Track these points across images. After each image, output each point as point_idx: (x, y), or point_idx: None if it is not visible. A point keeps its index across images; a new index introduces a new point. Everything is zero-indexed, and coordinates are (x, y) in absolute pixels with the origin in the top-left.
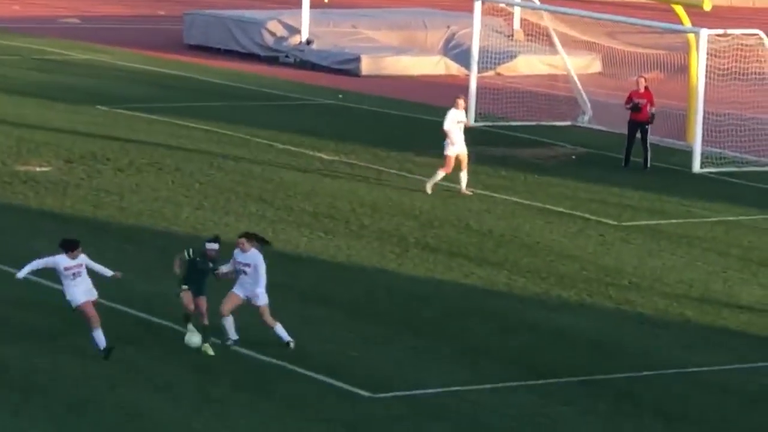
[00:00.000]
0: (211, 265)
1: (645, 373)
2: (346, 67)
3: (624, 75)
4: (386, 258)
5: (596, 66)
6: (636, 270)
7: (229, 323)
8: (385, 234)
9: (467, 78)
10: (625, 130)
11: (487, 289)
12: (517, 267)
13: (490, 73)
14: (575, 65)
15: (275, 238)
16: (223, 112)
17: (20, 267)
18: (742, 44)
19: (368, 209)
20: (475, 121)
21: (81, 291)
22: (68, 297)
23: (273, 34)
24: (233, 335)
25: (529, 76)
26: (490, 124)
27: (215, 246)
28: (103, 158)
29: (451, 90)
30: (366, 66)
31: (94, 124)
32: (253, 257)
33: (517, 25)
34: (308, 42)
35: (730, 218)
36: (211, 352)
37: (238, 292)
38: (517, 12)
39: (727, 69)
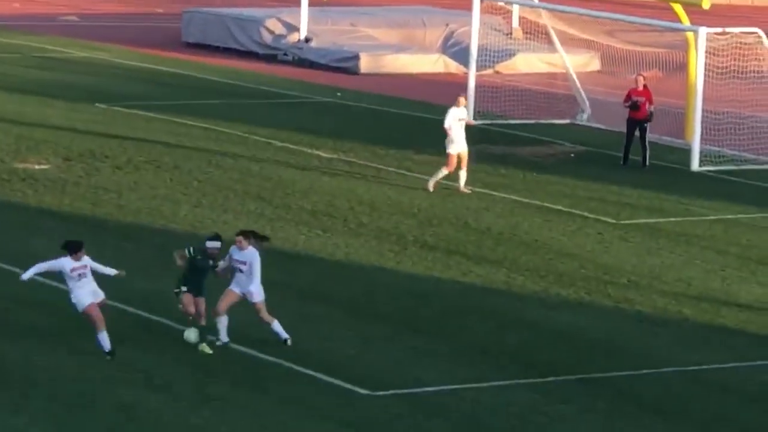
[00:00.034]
0: (211, 263)
1: (644, 371)
2: (345, 65)
3: (623, 73)
4: (385, 256)
5: (595, 64)
6: (635, 268)
7: (222, 324)
8: (383, 232)
9: (466, 76)
10: (623, 129)
11: (486, 288)
12: (516, 265)
13: (489, 71)
14: (574, 63)
15: (274, 236)
16: (221, 110)
17: (19, 265)
18: (740, 43)
19: (367, 207)
20: (474, 119)
21: (86, 293)
22: (74, 300)
23: (271, 32)
24: (224, 337)
25: (528, 74)
26: (488, 122)
27: (217, 244)
28: (102, 156)
29: (449, 88)
30: (365, 64)
31: (93, 121)
32: (250, 255)
33: (515, 23)
34: (307, 40)
35: (729, 216)
36: (208, 350)
37: (235, 289)
38: (515, 10)
39: (726, 67)
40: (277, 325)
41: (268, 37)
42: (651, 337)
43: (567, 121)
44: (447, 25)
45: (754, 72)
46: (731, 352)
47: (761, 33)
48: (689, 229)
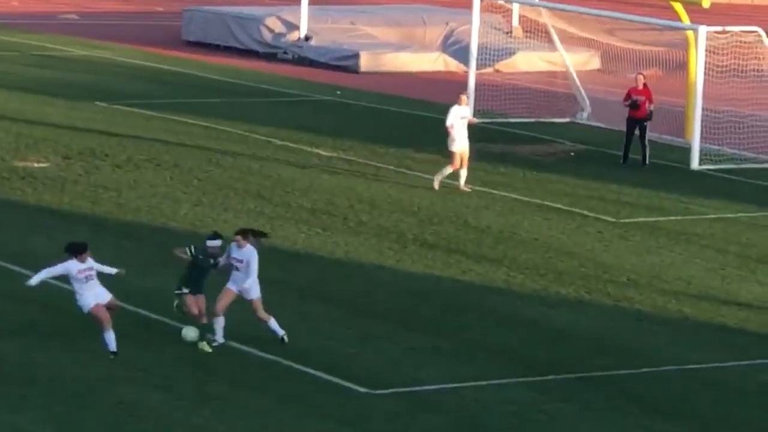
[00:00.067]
0: (212, 261)
1: (643, 369)
2: (345, 64)
3: (623, 72)
4: (384, 254)
5: (595, 63)
6: (634, 267)
7: (219, 324)
8: (383, 230)
9: (466, 75)
10: (623, 127)
11: (486, 286)
12: (516, 264)
13: (489, 69)
14: (574, 62)
15: (273, 235)
16: (221, 108)
17: (19, 263)
18: (740, 41)
19: (366, 206)
20: (474, 117)
21: (92, 294)
22: (79, 302)
23: (271, 30)
24: (220, 338)
25: (528, 72)
26: (488, 120)
27: (217, 243)
28: (102, 154)
29: (449, 87)
30: (365, 62)
31: (93, 120)
32: (248, 253)
33: (515, 21)
34: (307, 38)
35: (729, 215)
36: (208, 349)
37: (232, 287)
38: (515, 9)
39: (726, 66)
40: (273, 323)
41: (268, 36)
42: (650, 336)
43: (567, 119)
44: (447, 23)
45: (754, 71)
46: (731, 350)
47: (761, 32)
48: (689, 228)
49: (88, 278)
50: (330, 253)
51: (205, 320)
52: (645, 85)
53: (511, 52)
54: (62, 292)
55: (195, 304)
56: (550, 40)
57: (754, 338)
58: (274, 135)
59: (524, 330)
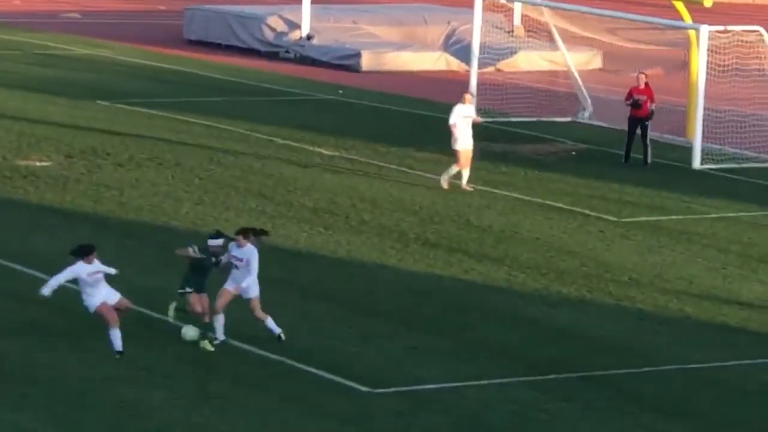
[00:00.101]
0: (213, 260)
1: (645, 369)
2: (347, 63)
3: (624, 71)
4: (386, 254)
5: (597, 62)
6: (636, 266)
7: (219, 322)
8: (385, 230)
9: (467, 74)
10: (625, 127)
11: (487, 285)
12: (517, 263)
13: (491, 69)
14: (576, 61)
15: (275, 234)
16: (223, 107)
17: (21, 262)
18: (742, 41)
19: (368, 205)
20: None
21: (101, 295)
22: (86, 303)
23: (273, 29)
24: (221, 335)
25: (530, 72)
26: (490, 119)
27: (219, 241)
28: (104, 153)
29: (451, 86)
30: (366, 62)
31: (95, 119)
32: (248, 252)
33: (517, 21)
34: (308, 37)
35: (730, 214)
36: (210, 347)
37: (230, 286)
38: (517, 8)
39: (728, 65)
40: (270, 322)
41: (269, 35)
42: (652, 335)
43: (568, 118)
44: (449, 22)
45: (755, 70)
46: (732, 350)
47: (763, 31)
48: (690, 227)
49: (97, 281)
50: (332, 252)
51: (207, 319)
52: (647, 84)
53: (512, 51)
54: (63, 291)
55: (199, 302)
56: (552, 40)
57: (756, 338)
58: (275, 134)
59: (526, 329)
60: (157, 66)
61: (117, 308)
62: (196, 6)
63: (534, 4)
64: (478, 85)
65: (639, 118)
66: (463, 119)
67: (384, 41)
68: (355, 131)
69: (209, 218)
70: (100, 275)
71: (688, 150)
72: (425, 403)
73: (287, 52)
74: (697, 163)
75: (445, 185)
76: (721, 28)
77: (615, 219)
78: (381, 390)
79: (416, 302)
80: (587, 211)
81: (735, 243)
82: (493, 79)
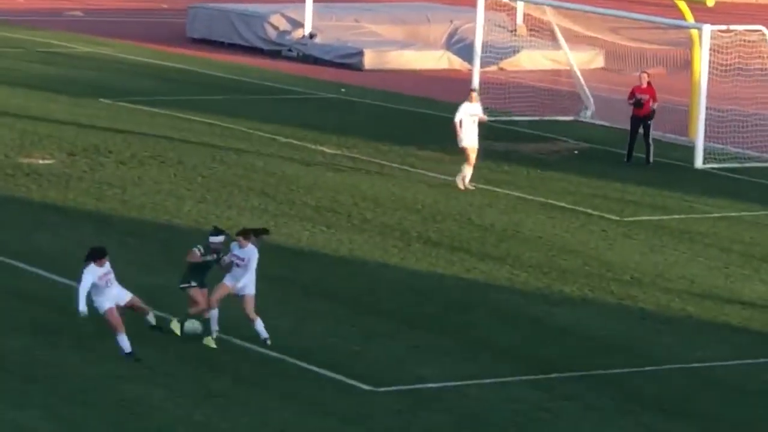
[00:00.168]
0: (215, 256)
1: (647, 368)
2: (349, 61)
3: (627, 70)
4: (388, 252)
5: (599, 61)
6: (638, 265)
7: (214, 315)
8: (387, 228)
9: (470, 73)
10: (627, 126)
11: (489, 284)
12: (519, 262)
13: (493, 68)
14: (578, 60)
15: (277, 232)
16: (225, 105)
17: (23, 260)
18: (744, 40)
19: (370, 203)
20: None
21: (113, 296)
22: (96, 303)
23: (276, 27)
24: (215, 326)
25: (532, 71)
26: (492, 118)
27: (220, 239)
28: (106, 151)
29: (453, 85)
30: (369, 60)
31: (97, 117)
32: (249, 252)
33: (520, 20)
34: (311, 36)
35: (733, 214)
36: (213, 344)
37: (228, 282)
38: (520, 7)
39: (730, 65)
40: (259, 324)
41: (272, 33)
42: (654, 335)
43: (571, 118)
44: (451, 21)
45: (758, 69)
46: (734, 349)
47: (765, 31)
48: (693, 227)
49: (108, 282)
50: (334, 251)
51: (207, 315)
52: (649, 83)
53: (515, 51)
54: (65, 290)
55: (200, 296)
56: (555, 39)
57: (758, 337)
58: (278, 132)
59: (528, 328)
60: (159, 64)
61: (132, 307)
62: (199, 4)
63: (537, 3)
64: (481, 84)
65: (641, 118)
66: (469, 117)
67: (386, 40)
68: (358, 130)
69: (211, 216)
70: (111, 276)
71: (690, 149)
72: (427, 402)
73: (290, 50)
74: (699, 163)
75: (461, 186)
76: (723, 27)
77: (617, 218)
78: (383, 389)
79: (418, 301)
80: (589, 210)
81: (737, 242)
82: (496, 78)
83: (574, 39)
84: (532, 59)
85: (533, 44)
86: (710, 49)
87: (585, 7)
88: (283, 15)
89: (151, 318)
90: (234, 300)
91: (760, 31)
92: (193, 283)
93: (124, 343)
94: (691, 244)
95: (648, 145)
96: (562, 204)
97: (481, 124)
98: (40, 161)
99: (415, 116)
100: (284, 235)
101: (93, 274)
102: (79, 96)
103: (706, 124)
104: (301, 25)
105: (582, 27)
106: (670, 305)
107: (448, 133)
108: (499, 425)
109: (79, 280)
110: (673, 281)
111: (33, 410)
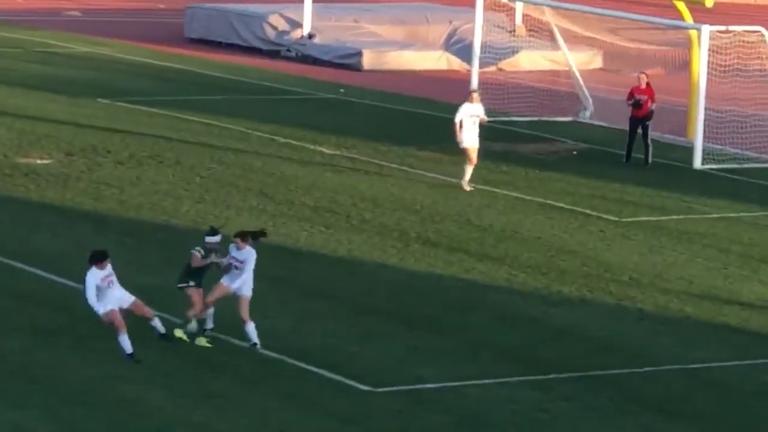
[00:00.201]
0: (216, 260)
1: (645, 369)
2: (348, 62)
3: (625, 71)
4: (387, 253)
5: (598, 62)
6: (636, 266)
7: (208, 313)
8: (386, 229)
9: (469, 73)
10: (626, 126)
11: (488, 285)
12: (518, 262)
13: (492, 68)
14: (577, 61)
15: (276, 232)
16: (224, 105)
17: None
18: (743, 41)
19: (369, 204)
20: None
21: (115, 298)
22: (97, 306)
23: (275, 28)
24: (210, 324)
25: (531, 71)
26: (491, 119)
27: (216, 239)
28: (104, 151)
29: (452, 85)
30: (368, 60)
31: (95, 117)
32: (246, 254)
33: (519, 20)
34: (310, 36)
35: (731, 215)
36: (206, 343)
37: (225, 282)
38: (519, 7)
39: (729, 66)
40: (250, 327)
41: (271, 33)
42: (652, 335)
43: (569, 118)
44: (450, 21)
45: (757, 70)
46: (733, 350)
47: (764, 31)
48: (691, 227)
49: (110, 284)
50: (332, 251)
51: (203, 315)
52: (648, 84)
53: (514, 51)
54: (64, 290)
55: (198, 296)
56: (553, 39)
57: (757, 338)
58: (276, 132)
59: (526, 329)
60: (158, 64)
61: (134, 311)
62: (197, 4)
63: (535, 4)
64: (480, 84)
65: (640, 118)
66: (469, 118)
67: (385, 40)
68: (356, 130)
69: (210, 216)
70: (113, 278)
71: (689, 150)
72: (426, 402)
73: (288, 50)
74: (698, 163)
75: (468, 188)
76: (722, 28)
77: (616, 219)
78: (382, 389)
79: (417, 301)
80: (588, 211)
81: (736, 243)
82: (495, 79)
83: (573, 39)
84: (531, 60)
85: (532, 45)
86: (709, 50)
87: (584, 7)
88: (281, 15)
89: (157, 324)
90: (232, 300)
91: (759, 32)
92: (191, 283)
93: (126, 343)
94: (689, 244)
95: (647, 145)
96: (561, 204)
97: (481, 125)
98: (38, 161)
99: (414, 117)
100: (283, 235)
101: (95, 277)
102: (78, 96)
103: (704, 125)
104: (299, 25)
105: (581, 27)
106: (668, 306)
107: (447, 134)
108: (497, 425)
109: (83, 287)
110: (671, 282)
111: (32, 410)
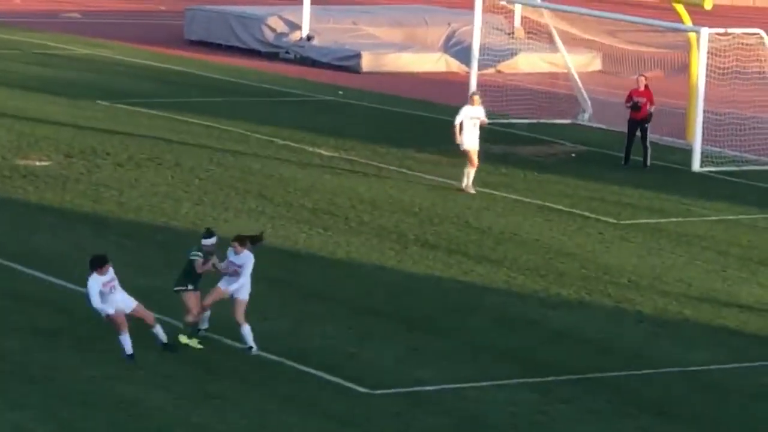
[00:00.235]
0: (209, 258)
1: (644, 371)
2: (347, 64)
3: (624, 73)
4: (385, 255)
5: (596, 64)
6: (635, 268)
7: (205, 316)
8: (384, 231)
9: (467, 75)
10: (625, 129)
11: (487, 287)
12: (517, 264)
13: (491, 70)
14: (576, 63)
15: (274, 234)
16: (223, 107)
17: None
18: (742, 43)
19: (368, 206)
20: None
21: (116, 301)
22: (99, 309)
23: (273, 30)
24: (205, 325)
25: (530, 73)
26: (490, 121)
27: (213, 240)
28: (103, 153)
29: (451, 87)
30: (366, 63)
31: (95, 118)
32: (244, 258)
33: (517, 22)
34: (309, 38)
35: (730, 217)
36: (198, 345)
37: (222, 286)
38: (517, 9)
39: (728, 68)
40: (246, 330)
41: (270, 35)
42: (651, 338)
43: (568, 120)
44: (449, 24)
45: (755, 73)
46: (731, 352)
47: (763, 34)
48: (690, 230)
49: (111, 289)
50: (331, 253)
51: (199, 317)
52: (646, 86)
53: (512, 53)
54: (63, 291)
55: (195, 300)
56: (552, 41)
57: (755, 340)
58: (275, 134)
59: (525, 331)
60: (157, 66)
61: (136, 316)
62: (196, 6)
63: (534, 6)
64: (478, 86)
65: (639, 121)
66: (469, 120)
67: (384, 42)
68: (355, 132)
69: (209, 218)
70: (115, 283)
71: (687, 152)
72: (424, 404)
73: (287, 52)
74: (696, 166)
75: (472, 191)
76: (721, 30)
77: (614, 221)
78: (380, 391)
79: (416, 303)
80: (587, 213)
81: (735, 245)
82: (493, 81)
83: (572, 42)
84: (530, 62)
85: (531, 47)
86: (708, 52)
87: (582, 10)
88: (280, 17)
89: (159, 332)
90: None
91: (758, 34)
92: (189, 287)
93: (127, 344)
94: (688, 247)
95: (645, 148)
96: (560, 207)
97: (482, 128)
98: (37, 163)
99: (413, 119)
100: (281, 237)
101: (97, 283)
102: (77, 98)
103: (703, 127)
104: (298, 27)
105: (579, 30)
106: (667, 308)
107: (446, 136)
108: (496, 428)
109: (87, 294)
110: (670, 284)
111: (31, 411)
